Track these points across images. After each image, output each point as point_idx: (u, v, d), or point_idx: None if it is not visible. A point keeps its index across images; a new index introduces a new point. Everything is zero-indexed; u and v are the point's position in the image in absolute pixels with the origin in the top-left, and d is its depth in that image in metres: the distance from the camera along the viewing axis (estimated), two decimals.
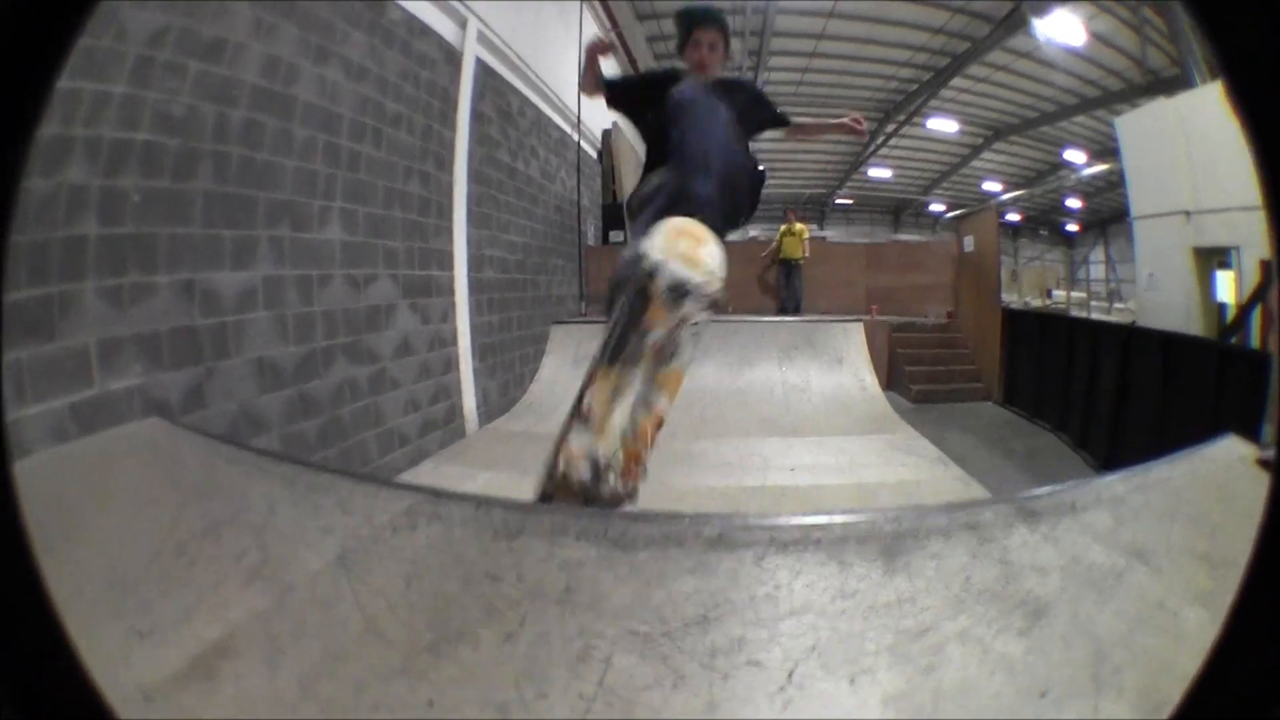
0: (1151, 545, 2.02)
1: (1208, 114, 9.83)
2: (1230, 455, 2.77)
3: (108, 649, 1.32)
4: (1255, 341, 8.72)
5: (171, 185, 3.23)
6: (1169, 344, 6.99)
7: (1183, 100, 11.74)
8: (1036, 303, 23.79)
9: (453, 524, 1.78)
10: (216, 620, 1.45)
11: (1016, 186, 30.78)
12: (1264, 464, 2.85)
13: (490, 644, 1.39)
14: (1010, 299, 23.73)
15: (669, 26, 17.96)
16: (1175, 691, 0.95)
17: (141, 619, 1.45)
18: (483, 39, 7.10)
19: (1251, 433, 3.04)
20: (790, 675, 1.36)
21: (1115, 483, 2.43)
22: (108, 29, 2.85)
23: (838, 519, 1.89)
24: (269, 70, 3.95)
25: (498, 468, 5.57)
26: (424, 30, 5.93)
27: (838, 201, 36.14)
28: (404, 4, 5.57)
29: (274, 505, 1.93)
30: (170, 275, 3.20)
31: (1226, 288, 11.21)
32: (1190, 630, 1.59)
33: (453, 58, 6.51)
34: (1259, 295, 8.71)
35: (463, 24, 6.68)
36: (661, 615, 1.49)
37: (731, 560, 1.68)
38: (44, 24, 0.84)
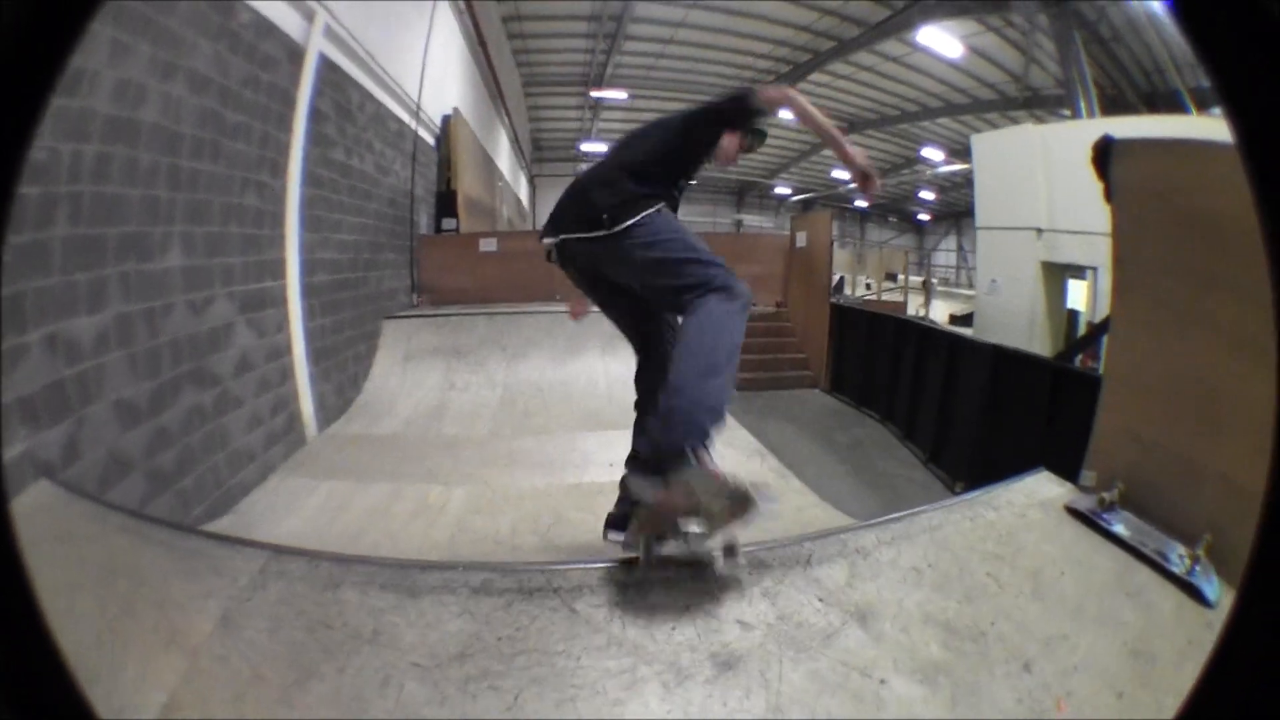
0: (880, 607, 2.36)
1: (1076, 147, 10.24)
2: (1035, 496, 3.21)
3: None
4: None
5: (35, 236, 3.38)
6: (996, 353, 7.65)
7: (1052, 129, 13.25)
8: (879, 286, 25.20)
9: (294, 579, 2.35)
10: (159, 686, 1.90)
11: None
12: (1073, 513, 3.07)
13: (330, 677, 1.96)
14: (855, 281, 25.28)
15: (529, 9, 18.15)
16: None
17: (110, 696, 1.85)
18: (329, 33, 7.25)
19: (1069, 464, 3.48)
20: (516, 698, 1.93)
21: (882, 527, 2.85)
22: None
23: (576, 568, 2.51)
24: (119, 96, 4.08)
25: (337, 476, 5.98)
26: (270, 29, 6.06)
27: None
28: (254, 3, 5.71)
29: (165, 577, 2.42)
30: (38, 331, 3.37)
31: (1079, 296, 12.85)
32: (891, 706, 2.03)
33: (296, 55, 6.64)
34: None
35: (310, 17, 6.83)
36: (434, 651, 2.07)
37: (489, 605, 2.28)
38: (43, 30, 0.90)
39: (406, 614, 2.18)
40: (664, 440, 2.54)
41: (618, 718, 1.88)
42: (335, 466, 6.34)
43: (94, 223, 3.90)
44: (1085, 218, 10.75)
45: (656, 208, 2.97)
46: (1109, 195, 3.59)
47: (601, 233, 2.89)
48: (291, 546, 2.68)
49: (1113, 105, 14.68)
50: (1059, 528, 3.01)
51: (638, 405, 3.42)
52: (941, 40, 17.22)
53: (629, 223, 2.88)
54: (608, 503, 5.22)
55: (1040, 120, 14.65)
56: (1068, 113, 14.85)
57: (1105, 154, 3.56)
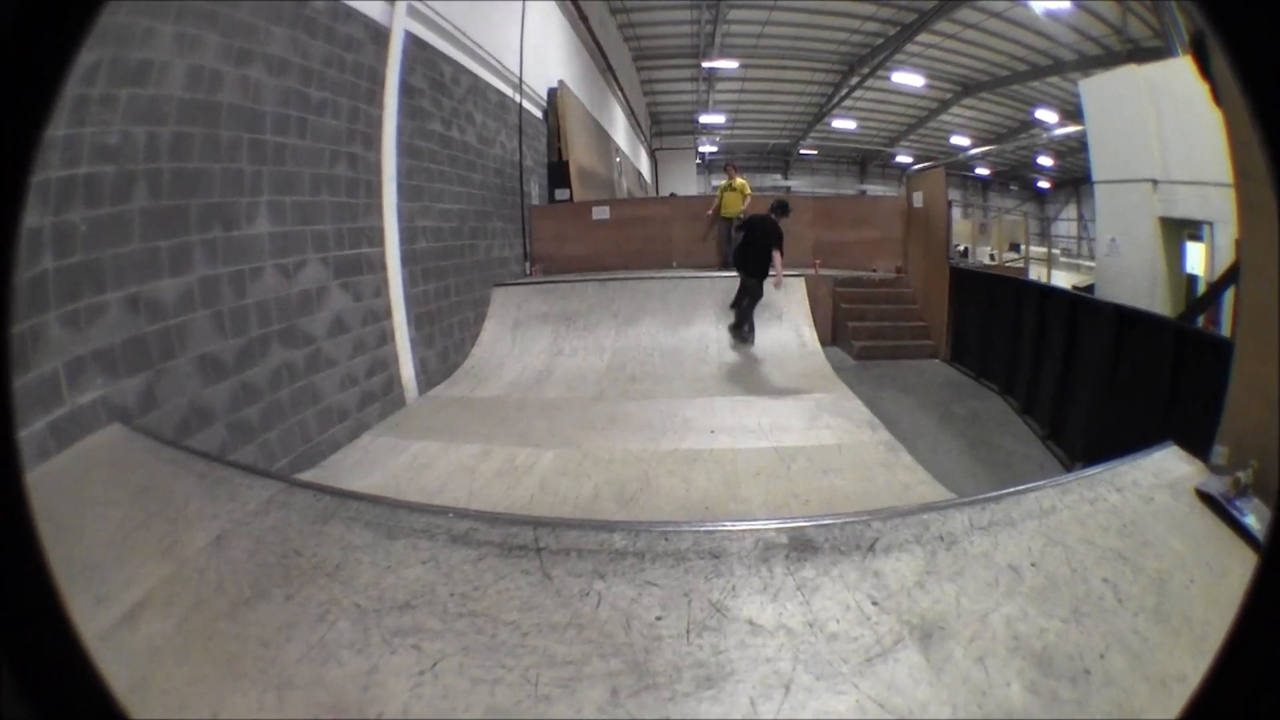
0: (955, 622, 1.83)
1: (1183, 86, 9.48)
2: (1164, 476, 2.65)
3: (81, 612, 2.03)
4: (1227, 327, 8.17)
5: (111, 210, 3.79)
6: (1121, 317, 6.98)
7: (1155, 69, 11.92)
8: (1004, 256, 24.33)
9: (292, 510, 2.48)
10: (140, 585, 2.16)
11: (986, 142, 31.32)
12: (1204, 497, 2.53)
13: (276, 600, 2.05)
14: (981, 250, 24.38)
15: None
16: None
17: (101, 588, 2.16)
18: (413, 12, 7.56)
19: (1200, 439, 2.89)
20: (434, 665, 1.78)
21: (980, 507, 2.33)
22: None
23: (572, 530, 2.29)
24: (193, 82, 4.47)
25: (429, 437, 6.17)
26: (349, 14, 6.41)
27: (802, 152, 36.64)
28: None
29: (189, 498, 2.68)
30: (117, 292, 3.79)
31: (1198, 260, 11.62)
32: None
33: (380, 36, 6.98)
34: (1231, 277, 8.03)
35: (390, 0, 7.14)
36: (382, 595, 2.04)
37: (458, 557, 2.16)
38: (49, 28, 0.88)
39: (375, 554, 2.19)
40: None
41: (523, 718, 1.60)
42: (429, 427, 6.60)
43: (175, 195, 4.32)
44: (1199, 165, 9.91)
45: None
46: (1217, 98, 3.05)
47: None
48: (304, 481, 2.91)
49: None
50: (1189, 517, 2.46)
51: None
52: None
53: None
54: (703, 471, 5.37)
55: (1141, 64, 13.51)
56: None
57: (1203, 46, 3.17)
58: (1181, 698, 1.50)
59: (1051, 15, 17.58)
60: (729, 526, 2.21)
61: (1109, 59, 17.16)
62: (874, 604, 1.85)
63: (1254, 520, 2.34)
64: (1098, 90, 13.72)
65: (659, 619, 1.82)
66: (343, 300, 6.29)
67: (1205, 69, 3.14)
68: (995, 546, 2.09)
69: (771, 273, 9.09)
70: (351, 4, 6.44)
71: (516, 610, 1.90)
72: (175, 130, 4.31)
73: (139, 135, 4.02)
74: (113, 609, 2.04)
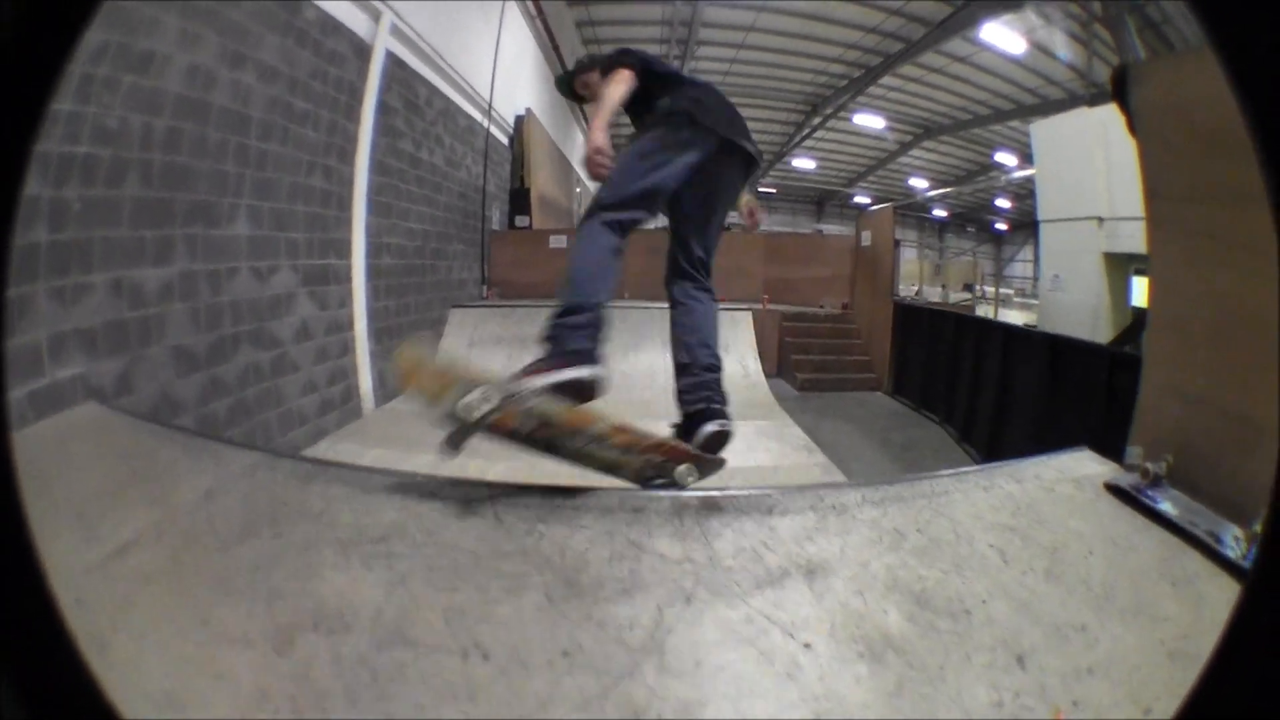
0: (838, 565, 2.03)
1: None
2: (1070, 472, 2.78)
3: (67, 550, 2.08)
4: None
5: (105, 192, 3.82)
6: (1053, 345, 7.36)
7: (1107, 110, 11.87)
8: (955, 296, 24.82)
9: (278, 471, 2.60)
10: (131, 527, 2.22)
11: (945, 184, 31.97)
12: (1113, 490, 2.61)
13: (266, 538, 2.15)
14: (937, 291, 24.79)
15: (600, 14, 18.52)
16: None
17: (90, 530, 2.21)
18: (395, 31, 7.68)
19: (1115, 447, 2.97)
20: (404, 578, 1.98)
21: (873, 487, 2.50)
22: None
23: (520, 484, 2.51)
24: (190, 79, 4.53)
25: (386, 445, 6.09)
26: (336, 28, 6.51)
27: (760, 190, 37.21)
28: (319, 3, 6.15)
29: (175, 460, 2.75)
30: (103, 274, 3.82)
31: (1143, 293, 12.02)
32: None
33: (363, 52, 7.09)
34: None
35: (376, 17, 7.26)
36: (361, 532, 2.19)
37: (427, 506, 2.32)
38: (48, 20, 0.89)
39: (353, 504, 2.34)
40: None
41: (484, 614, 1.85)
42: (387, 436, 6.55)
43: (164, 187, 4.36)
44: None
45: None
46: (1132, 127, 3.35)
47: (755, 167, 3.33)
48: (286, 452, 3.00)
49: None
50: (1093, 504, 2.56)
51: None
52: (1004, 36, 16.94)
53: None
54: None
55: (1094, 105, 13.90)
56: None
57: (1123, 82, 3.37)
58: (1083, 649, 1.75)
59: (1014, 60, 18.12)
60: (652, 493, 2.51)
61: (1070, 102, 17.54)
62: (765, 546, 2.12)
63: (1168, 506, 2.47)
64: (1047, 132, 14.32)
65: (588, 550, 2.12)
66: (309, 308, 6.31)
67: (1123, 100, 3.37)
68: (883, 515, 2.30)
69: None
70: (339, 19, 6.54)
71: (474, 541, 2.15)
72: (170, 124, 4.36)
73: (136, 123, 4.06)
74: (103, 545, 2.12)
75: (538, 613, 1.85)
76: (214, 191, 4.89)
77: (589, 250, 2.80)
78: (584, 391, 2.62)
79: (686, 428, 2.98)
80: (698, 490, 2.52)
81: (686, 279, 3.24)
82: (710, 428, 2.91)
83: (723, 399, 3.05)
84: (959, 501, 2.43)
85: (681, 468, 2.63)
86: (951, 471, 2.72)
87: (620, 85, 3.14)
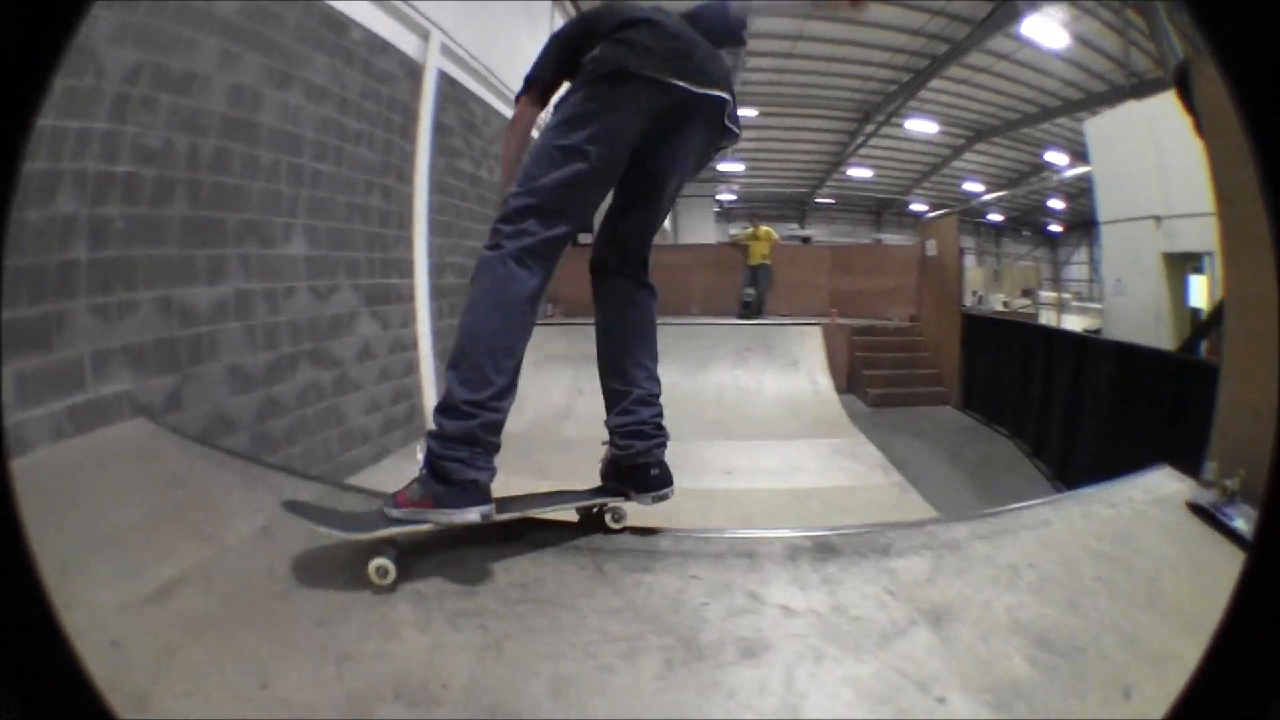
0: (961, 608, 1.91)
1: (1179, 118, 9.18)
2: (1156, 492, 2.72)
3: (102, 583, 1.89)
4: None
5: (150, 211, 3.75)
6: (1122, 353, 7.02)
7: (1153, 104, 11.52)
8: (1015, 302, 24.19)
9: (344, 508, 2.34)
10: (176, 564, 2.03)
11: (998, 187, 31.21)
12: (1195, 508, 2.57)
13: (335, 584, 1.93)
14: (996, 298, 24.12)
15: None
16: None
17: (129, 563, 2.03)
18: (446, 51, 7.60)
19: (1194, 461, 2.86)
20: (499, 641, 1.76)
21: (980, 521, 2.39)
22: (87, 68, 3.35)
23: (619, 536, 2.32)
24: (235, 99, 4.46)
25: None
26: (384, 47, 6.44)
27: (818, 200, 36.74)
28: (364, 23, 6.07)
29: (228, 491, 2.56)
30: (150, 292, 3.74)
31: (1200, 293, 11.36)
32: None
33: (414, 72, 7.02)
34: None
35: (425, 37, 7.18)
36: (441, 584, 1.98)
37: (514, 551, 2.15)
38: (39, 28, 0.86)
39: (432, 548, 2.11)
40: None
41: (596, 685, 1.62)
42: None
43: (214, 206, 4.29)
44: (1198, 197, 9.55)
45: None
46: (1199, 128, 3.10)
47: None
48: (356, 486, 2.81)
49: None
50: (1180, 526, 2.52)
51: None
52: (1045, 30, 16.36)
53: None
54: (720, 509, 5.26)
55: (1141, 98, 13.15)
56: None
57: (1185, 79, 3.14)
58: (1175, 673, 1.53)
59: (1055, 55, 17.61)
60: (760, 534, 2.33)
61: (1113, 95, 17.03)
62: (889, 594, 1.98)
63: (1242, 523, 2.39)
64: (1102, 129, 13.62)
65: (705, 604, 1.92)
66: (372, 327, 6.22)
67: (1189, 102, 3.13)
68: (996, 551, 2.20)
69: None
70: (387, 39, 6.48)
71: (576, 597, 1.95)
72: (217, 144, 4.29)
73: (181, 143, 4.00)
74: (144, 582, 1.93)
75: (658, 682, 1.64)
76: (267, 211, 4.81)
77: (485, 301, 2.05)
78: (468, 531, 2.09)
79: (620, 473, 2.39)
80: (809, 531, 2.34)
81: (620, 274, 2.47)
82: (647, 500, 2.36)
83: (662, 442, 2.42)
84: (1062, 532, 2.37)
85: (609, 514, 2.39)
86: (1049, 499, 2.71)
87: (512, 135, 2.58)
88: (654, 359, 2.49)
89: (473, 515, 1.99)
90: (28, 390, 2.98)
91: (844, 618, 1.86)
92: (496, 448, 2.09)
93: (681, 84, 2.13)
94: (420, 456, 2.05)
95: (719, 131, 2.35)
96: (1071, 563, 2.19)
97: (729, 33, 2.45)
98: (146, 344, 3.69)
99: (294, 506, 2.08)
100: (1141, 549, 2.32)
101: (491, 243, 2.09)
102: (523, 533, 2.22)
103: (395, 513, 1.99)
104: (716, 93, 2.22)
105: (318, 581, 1.93)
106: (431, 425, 2.03)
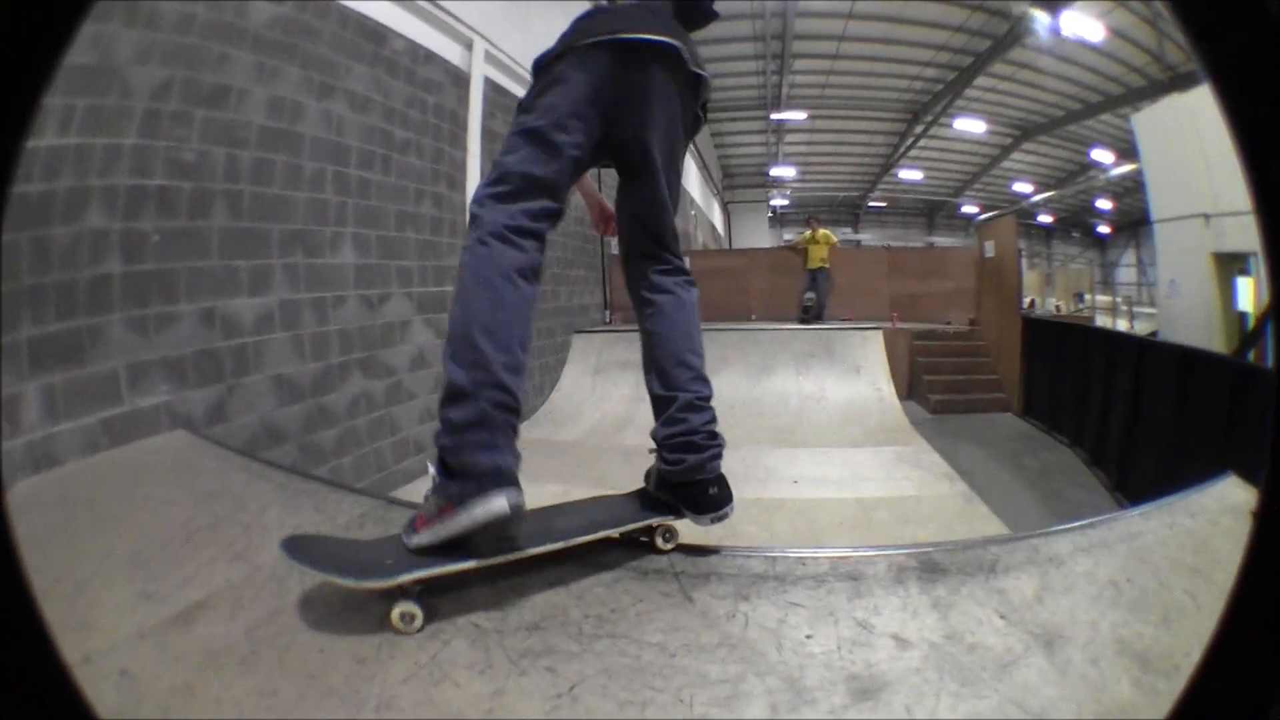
0: (1072, 630, 1.77)
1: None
2: (1226, 502, 2.63)
3: (118, 606, 1.74)
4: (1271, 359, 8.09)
5: (188, 224, 3.67)
6: (1184, 359, 6.69)
7: (1195, 96, 10.99)
8: (1067, 307, 23.58)
9: (393, 526, 2.08)
10: (202, 586, 1.85)
11: (1047, 187, 30.79)
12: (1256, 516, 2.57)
13: (376, 615, 1.66)
14: (1047, 301, 23.51)
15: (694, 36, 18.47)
16: None
17: (149, 585, 1.86)
18: (490, 59, 7.50)
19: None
20: (572, 688, 1.48)
21: (1079, 533, 2.27)
22: (112, 87, 3.27)
23: (708, 556, 2.06)
24: (274, 111, 4.37)
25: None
26: (428, 57, 6.33)
27: (870, 204, 36.24)
28: (405, 33, 5.97)
29: (265, 506, 2.36)
30: (191, 304, 3.65)
31: (1246, 296, 10.90)
32: None
33: (460, 80, 6.92)
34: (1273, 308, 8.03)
35: (468, 45, 7.08)
36: (505, 615, 1.71)
37: (590, 576, 1.90)
38: (34, 34, 0.83)
39: (492, 575, 1.83)
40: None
41: None
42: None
43: (256, 217, 4.19)
44: (1242, 191, 9.03)
45: None
46: None
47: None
48: (404, 500, 2.59)
49: None
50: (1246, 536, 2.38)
51: None
52: (1082, 24, 16.08)
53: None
54: (785, 520, 5.13)
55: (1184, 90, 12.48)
56: None
57: None
58: None
59: (1093, 48, 17.24)
60: (862, 553, 2.10)
61: (1152, 89, 16.62)
62: (1002, 618, 1.80)
63: None
64: (1150, 123, 12.94)
65: (810, 637, 1.70)
66: (426, 335, 6.10)
67: None
68: (1096, 566, 2.09)
69: None
70: (430, 48, 6.37)
71: (660, 632, 1.68)
72: (256, 155, 4.20)
73: (218, 155, 3.91)
74: (164, 606, 1.75)
75: None
76: (314, 220, 4.71)
77: (470, 282, 1.83)
78: (500, 529, 1.73)
79: (671, 489, 2.10)
80: (912, 549, 2.13)
81: (647, 257, 2.20)
82: (705, 521, 2.08)
83: (718, 453, 2.11)
84: (1152, 544, 2.26)
85: (660, 534, 2.08)
86: (1135, 511, 2.53)
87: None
88: (698, 355, 2.18)
89: (499, 503, 1.68)
90: (57, 404, 2.88)
91: (959, 646, 1.66)
92: (514, 431, 1.80)
93: (612, 37, 1.96)
94: (432, 470, 1.79)
95: (687, 80, 2.11)
96: (1162, 576, 2.09)
97: (702, 13, 2.29)
98: (187, 356, 3.60)
99: (294, 548, 1.74)
100: (1219, 561, 2.20)
101: (471, 223, 1.91)
102: (594, 552, 1.96)
103: (415, 539, 1.74)
104: (659, 38, 2.01)
105: (360, 610, 1.68)
106: (437, 424, 1.78)
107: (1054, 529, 2.40)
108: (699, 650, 1.61)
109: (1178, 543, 2.30)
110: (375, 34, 5.54)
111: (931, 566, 2.00)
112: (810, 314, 12.14)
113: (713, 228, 27.25)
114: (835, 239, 12.98)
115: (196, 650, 1.57)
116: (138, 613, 1.72)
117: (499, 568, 1.78)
